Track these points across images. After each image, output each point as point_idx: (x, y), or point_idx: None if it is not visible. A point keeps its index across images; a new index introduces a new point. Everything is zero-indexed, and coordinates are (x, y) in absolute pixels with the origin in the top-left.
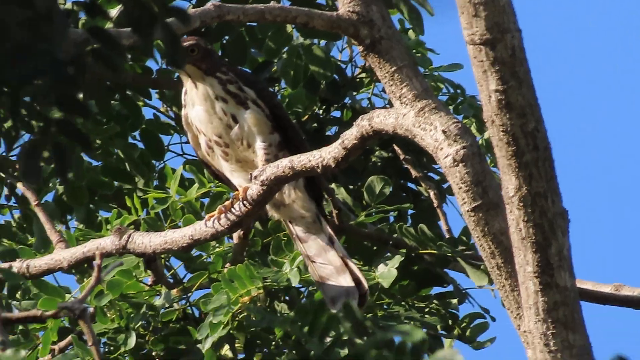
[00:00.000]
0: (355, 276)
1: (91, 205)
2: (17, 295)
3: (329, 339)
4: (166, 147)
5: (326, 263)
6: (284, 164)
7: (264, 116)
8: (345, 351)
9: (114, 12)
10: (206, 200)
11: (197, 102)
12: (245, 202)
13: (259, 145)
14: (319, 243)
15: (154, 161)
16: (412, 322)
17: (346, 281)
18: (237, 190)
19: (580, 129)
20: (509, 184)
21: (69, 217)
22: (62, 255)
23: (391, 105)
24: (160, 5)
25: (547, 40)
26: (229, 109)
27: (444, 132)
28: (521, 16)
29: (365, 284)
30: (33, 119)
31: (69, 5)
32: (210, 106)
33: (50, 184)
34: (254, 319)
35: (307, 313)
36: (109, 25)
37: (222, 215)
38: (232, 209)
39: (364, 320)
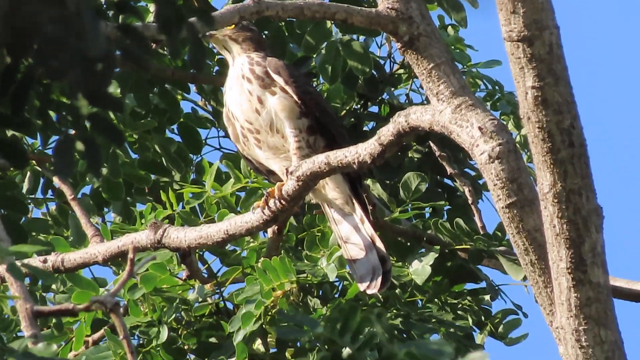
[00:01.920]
0: (381, 253)
1: (128, 199)
2: (53, 287)
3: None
4: (204, 141)
5: (356, 243)
6: (319, 160)
7: (292, 102)
8: (375, 354)
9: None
10: (242, 195)
11: (232, 84)
12: (281, 200)
13: (289, 132)
14: (351, 223)
15: (191, 155)
16: (444, 324)
17: (373, 259)
18: (279, 180)
19: (615, 123)
20: (544, 180)
21: (105, 209)
22: (97, 249)
23: (428, 102)
24: (186, 6)
25: (584, 34)
26: (254, 90)
27: (480, 129)
28: (559, 11)
29: (389, 261)
30: (65, 113)
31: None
32: (240, 86)
33: (87, 178)
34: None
35: (340, 312)
36: (148, 20)
37: (258, 210)
38: (267, 206)
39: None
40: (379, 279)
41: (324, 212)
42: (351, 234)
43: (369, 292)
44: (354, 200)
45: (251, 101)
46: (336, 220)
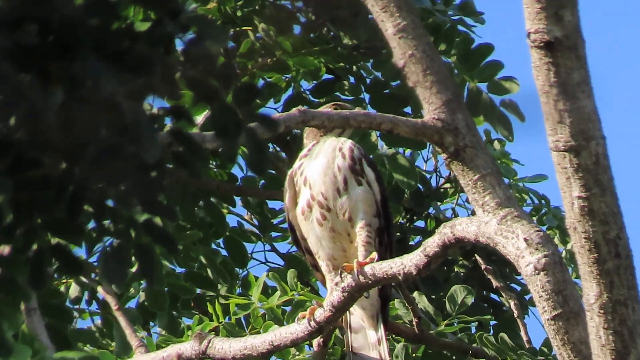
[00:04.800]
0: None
1: (174, 312)
2: None
3: None
4: (250, 255)
5: (366, 355)
6: (365, 271)
7: (373, 199)
8: None
9: (199, 118)
10: (288, 308)
11: (323, 152)
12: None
13: (362, 223)
14: (367, 337)
15: (237, 269)
16: None
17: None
18: (315, 262)
19: None
20: (590, 291)
21: (152, 324)
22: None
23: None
24: (245, 112)
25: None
26: (343, 168)
27: (525, 240)
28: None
29: None
30: (117, 221)
31: (154, 110)
32: (333, 157)
33: (132, 290)
34: None
35: None
36: (194, 130)
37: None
38: (313, 316)
39: None
40: None
41: (343, 321)
42: (362, 348)
43: None
44: (380, 318)
45: (337, 177)
46: (353, 329)
